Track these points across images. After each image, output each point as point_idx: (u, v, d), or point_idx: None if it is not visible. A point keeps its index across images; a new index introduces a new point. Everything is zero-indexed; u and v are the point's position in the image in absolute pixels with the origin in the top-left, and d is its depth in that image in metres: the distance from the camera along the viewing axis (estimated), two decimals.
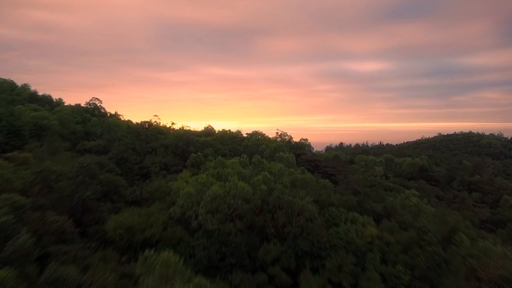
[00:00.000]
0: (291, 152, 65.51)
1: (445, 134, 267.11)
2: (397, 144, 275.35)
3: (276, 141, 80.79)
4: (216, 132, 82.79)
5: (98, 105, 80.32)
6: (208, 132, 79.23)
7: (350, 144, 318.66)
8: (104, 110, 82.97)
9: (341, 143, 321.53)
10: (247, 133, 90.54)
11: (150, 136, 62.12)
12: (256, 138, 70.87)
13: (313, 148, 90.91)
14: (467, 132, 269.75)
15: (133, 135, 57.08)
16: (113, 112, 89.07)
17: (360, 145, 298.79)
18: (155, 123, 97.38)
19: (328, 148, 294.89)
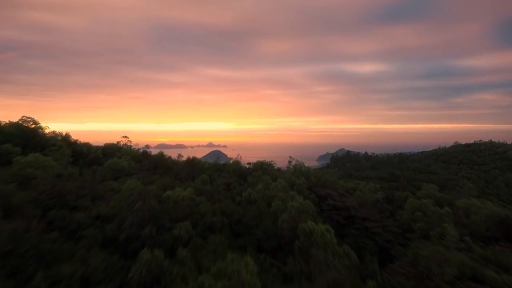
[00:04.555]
0: (322, 218, 40.78)
1: (464, 143, 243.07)
2: (411, 154, 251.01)
3: (292, 179, 56.00)
4: (205, 165, 57.58)
5: (32, 127, 54.76)
6: (192, 164, 53.77)
7: (359, 152, 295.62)
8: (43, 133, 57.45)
9: (348, 152, 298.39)
10: (249, 163, 65.57)
11: (92, 190, 36.87)
12: (265, 183, 45.89)
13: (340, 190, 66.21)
14: (487, 141, 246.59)
15: (47, 197, 31.78)
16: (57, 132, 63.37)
17: (369, 154, 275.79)
18: (124, 144, 72.21)
19: (335, 159, 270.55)
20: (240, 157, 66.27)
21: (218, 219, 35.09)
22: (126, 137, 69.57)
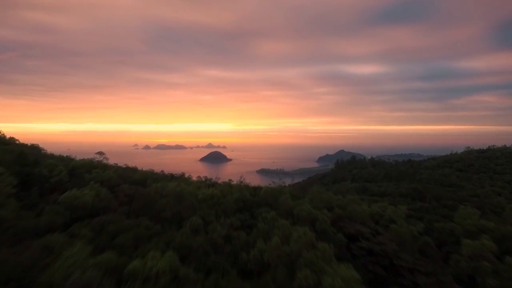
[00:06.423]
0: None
1: (477, 148, 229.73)
2: (422, 161, 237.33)
3: (313, 213, 42.45)
4: (198, 196, 43.87)
5: None
6: (181, 199, 40.06)
7: (364, 157, 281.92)
8: None
9: (354, 157, 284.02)
10: (254, 186, 51.96)
11: (11, 260, 22.94)
12: (282, 230, 32.18)
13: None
14: (501, 146, 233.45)
15: None
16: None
17: (375, 158, 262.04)
18: (99, 162, 58.21)
19: (339, 166, 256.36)
20: (244, 179, 52.73)
21: None
22: (101, 153, 55.82)
